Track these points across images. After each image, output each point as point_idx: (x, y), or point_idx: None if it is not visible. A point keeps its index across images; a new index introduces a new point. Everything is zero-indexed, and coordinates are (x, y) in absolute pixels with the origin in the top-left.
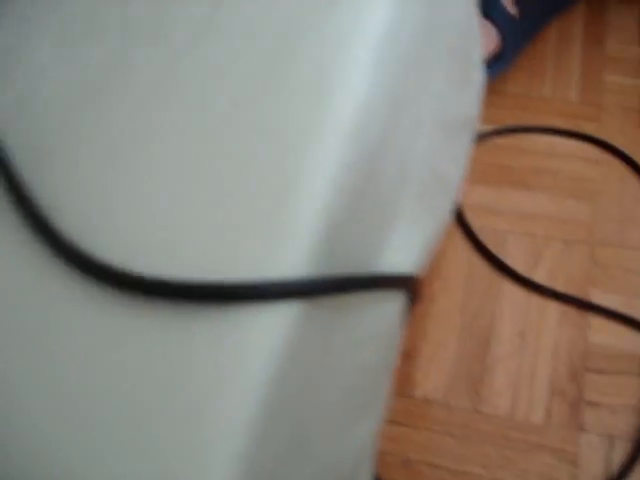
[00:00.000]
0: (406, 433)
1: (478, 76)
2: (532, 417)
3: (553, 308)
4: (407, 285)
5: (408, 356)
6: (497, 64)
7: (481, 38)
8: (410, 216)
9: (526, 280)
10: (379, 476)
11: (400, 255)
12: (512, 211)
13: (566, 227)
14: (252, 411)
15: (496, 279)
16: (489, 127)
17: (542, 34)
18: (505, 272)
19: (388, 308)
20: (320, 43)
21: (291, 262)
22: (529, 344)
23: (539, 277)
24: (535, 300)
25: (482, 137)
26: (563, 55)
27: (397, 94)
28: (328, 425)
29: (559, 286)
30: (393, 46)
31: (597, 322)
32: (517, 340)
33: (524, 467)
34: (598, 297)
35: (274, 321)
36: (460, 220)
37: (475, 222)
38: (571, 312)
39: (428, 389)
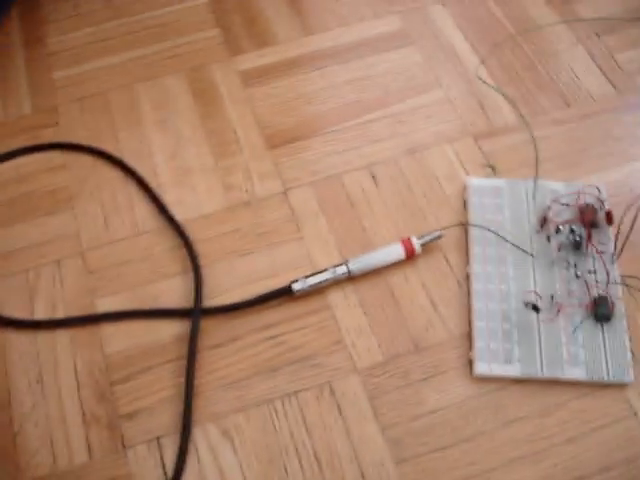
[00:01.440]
0: None
1: None
2: (76, 459)
3: (62, 338)
4: None
5: None
6: None
7: None
8: None
9: (25, 322)
10: None
11: None
12: None
13: (53, 248)
14: None
15: None
16: None
17: None
18: (2, 324)
19: None
20: None
21: None
22: (49, 386)
23: (40, 312)
24: (43, 338)
25: None
26: (6, 69)
27: None
28: None
29: (63, 312)
30: None
31: (109, 330)
32: (36, 388)
33: None
34: (104, 305)
35: None
36: None
37: None
38: (80, 333)
39: None
